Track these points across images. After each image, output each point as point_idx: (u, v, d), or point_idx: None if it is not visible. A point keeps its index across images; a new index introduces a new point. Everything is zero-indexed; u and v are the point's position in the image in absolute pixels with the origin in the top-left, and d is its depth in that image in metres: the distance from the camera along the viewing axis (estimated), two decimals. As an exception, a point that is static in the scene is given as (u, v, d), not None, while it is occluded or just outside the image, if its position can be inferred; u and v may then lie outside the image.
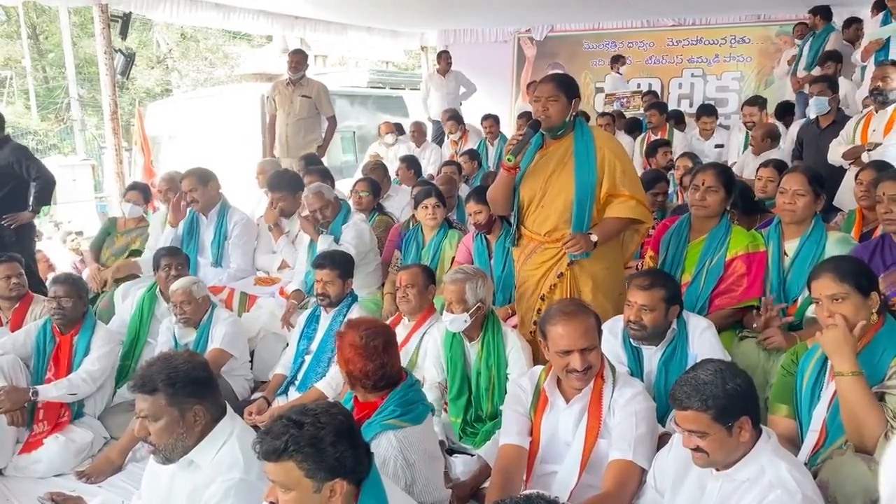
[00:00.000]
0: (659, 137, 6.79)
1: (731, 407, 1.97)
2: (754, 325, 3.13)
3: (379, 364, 2.34)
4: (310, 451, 1.70)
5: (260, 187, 5.76)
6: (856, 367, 2.24)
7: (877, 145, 4.44)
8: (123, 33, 7.76)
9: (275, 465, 1.73)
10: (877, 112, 4.58)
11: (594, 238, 3.20)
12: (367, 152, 8.37)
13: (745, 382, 2.02)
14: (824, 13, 7.36)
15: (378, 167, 6.17)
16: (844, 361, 2.24)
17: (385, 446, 2.21)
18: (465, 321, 3.18)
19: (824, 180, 3.27)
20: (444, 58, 9.35)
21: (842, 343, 2.25)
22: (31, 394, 3.45)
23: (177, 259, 4.13)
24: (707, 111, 7.11)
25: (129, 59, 8.14)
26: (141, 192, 5.24)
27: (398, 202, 5.89)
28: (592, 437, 2.47)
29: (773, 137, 5.75)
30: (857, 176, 3.80)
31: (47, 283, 3.81)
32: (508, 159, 3.25)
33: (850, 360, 2.25)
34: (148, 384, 2.13)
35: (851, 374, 2.24)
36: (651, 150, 6.33)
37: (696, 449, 2.02)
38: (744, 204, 3.96)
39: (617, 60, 9.58)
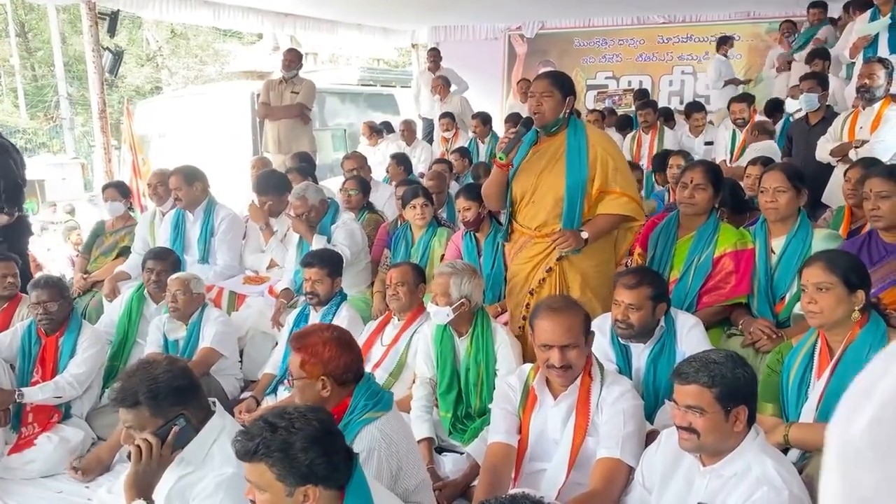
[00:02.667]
0: (653, 137, 6.81)
1: (735, 391, 1.98)
2: (740, 325, 3.15)
3: (357, 354, 2.39)
4: (279, 455, 1.71)
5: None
6: (782, 433, 2.37)
7: (864, 142, 4.47)
8: (112, 31, 7.73)
9: (249, 465, 1.75)
10: (863, 109, 4.60)
11: (585, 235, 3.21)
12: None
13: (751, 373, 2.05)
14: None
15: (356, 155, 6.21)
16: (773, 437, 2.32)
17: (369, 439, 2.22)
18: (448, 315, 3.18)
19: (804, 175, 3.28)
20: (432, 55, 9.34)
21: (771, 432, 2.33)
22: (16, 395, 3.43)
23: (162, 264, 4.07)
24: (696, 108, 7.12)
25: (118, 56, 8.10)
26: (117, 189, 5.20)
27: (380, 197, 5.91)
28: (580, 436, 2.48)
29: (762, 131, 5.81)
30: (845, 173, 3.82)
31: (28, 287, 3.78)
32: (500, 158, 3.28)
33: (777, 435, 2.36)
34: (129, 398, 2.11)
35: (784, 438, 2.36)
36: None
37: (688, 428, 2.01)
38: (733, 202, 3.97)
39: (725, 42, 8.63)
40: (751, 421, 2.04)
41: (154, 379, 2.13)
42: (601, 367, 2.60)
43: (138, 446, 2.07)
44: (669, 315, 2.91)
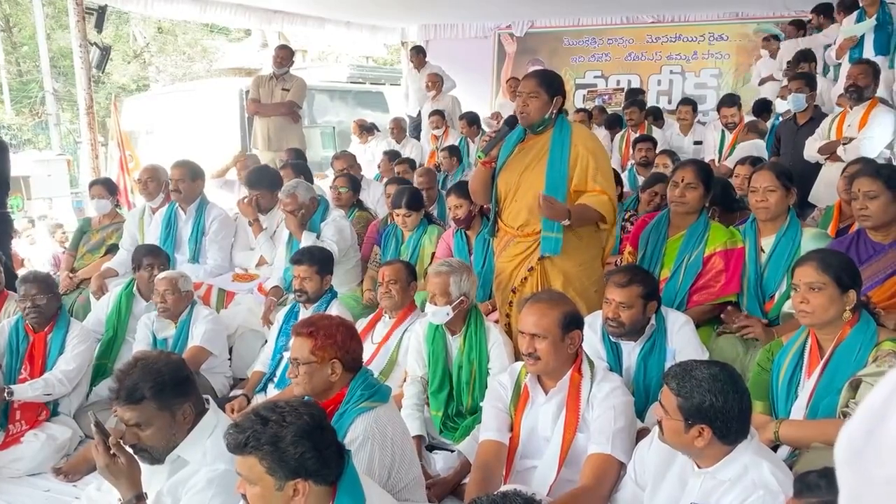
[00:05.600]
0: (640, 134, 6.84)
1: (697, 410, 1.96)
2: (732, 322, 3.16)
3: (360, 344, 2.46)
4: (269, 448, 1.71)
5: (241, 181, 5.73)
6: (772, 429, 2.39)
7: (852, 139, 4.51)
8: (99, 26, 7.65)
9: (240, 458, 1.76)
10: (851, 109, 4.65)
11: (567, 222, 3.14)
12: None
13: (726, 402, 1.94)
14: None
15: (345, 155, 6.18)
16: (764, 434, 2.34)
17: (364, 428, 2.24)
18: (448, 314, 3.17)
19: (792, 174, 3.30)
20: (416, 52, 9.34)
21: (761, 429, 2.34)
22: (5, 393, 3.39)
23: (159, 259, 4.06)
24: (685, 102, 7.15)
25: (105, 52, 8.03)
26: (104, 186, 5.14)
27: (372, 195, 5.89)
28: (571, 432, 2.48)
29: (752, 129, 5.87)
30: (843, 171, 3.84)
31: (16, 283, 3.74)
32: (479, 156, 3.34)
33: (767, 431, 2.37)
34: (134, 393, 2.10)
35: (775, 435, 2.38)
36: (633, 143, 6.39)
37: (658, 421, 2.08)
38: (724, 201, 3.98)
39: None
40: (726, 437, 1.98)
41: (157, 372, 2.12)
42: (591, 364, 2.60)
43: (118, 445, 2.08)
44: (660, 313, 2.93)
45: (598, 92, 10.15)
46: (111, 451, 2.08)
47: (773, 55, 8.07)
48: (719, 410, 1.95)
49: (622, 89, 9.93)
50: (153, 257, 4.06)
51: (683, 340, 2.87)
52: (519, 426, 2.58)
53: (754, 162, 4.52)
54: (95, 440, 2.10)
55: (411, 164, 6.71)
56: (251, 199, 4.71)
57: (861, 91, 4.55)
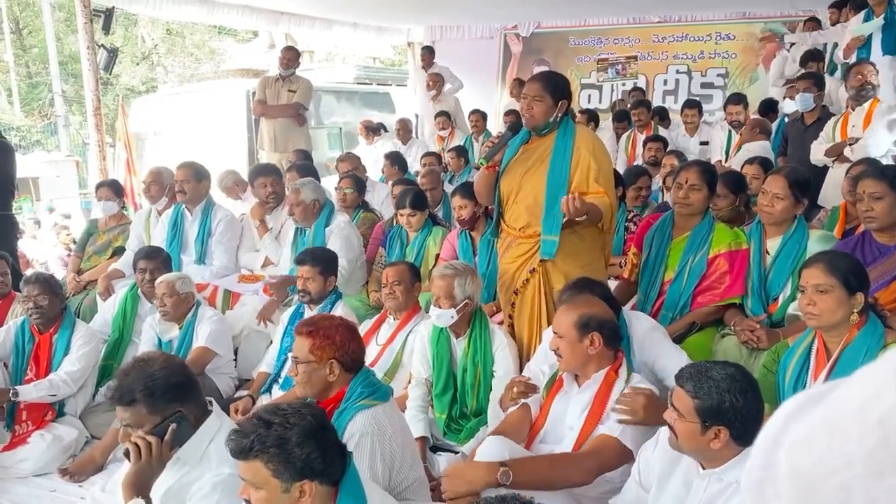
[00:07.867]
0: (647, 134, 6.83)
1: (717, 412, 1.93)
2: (732, 325, 3.14)
3: (362, 344, 2.47)
4: (275, 451, 1.71)
5: (228, 196, 5.77)
6: None
7: (857, 139, 4.49)
8: (106, 28, 7.70)
9: (244, 463, 1.75)
10: (854, 110, 4.63)
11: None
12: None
13: (746, 402, 1.92)
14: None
15: (350, 157, 6.20)
16: None
17: (362, 424, 2.24)
18: (452, 317, 3.17)
19: (808, 185, 3.26)
20: (425, 53, 9.35)
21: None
22: (10, 394, 3.41)
23: (154, 262, 4.05)
24: (690, 105, 7.13)
25: (113, 54, 8.08)
26: (110, 188, 5.16)
27: (377, 196, 5.90)
28: (592, 424, 2.45)
29: (762, 129, 5.84)
30: (847, 171, 3.82)
31: (20, 284, 3.77)
32: (481, 162, 3.32)
33: None
34: (126, 395, 2.09)
35: None
36: (643, 143, 6.38)
37: (671, 426, 2.04)
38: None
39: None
40: (741, 439, 1.96)
41: (150, 376, 2.11)
42: (630, 369, 2.56)
43: (136, 445, 2.06)
44: (622, 319, 2.84)
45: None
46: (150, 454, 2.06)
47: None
48: (739, 411, 1.92)
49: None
50: (148, 261, 4.06)
51: (654, 346, 2.81)
52: (547, 410, 2.58)
53: (763, 162, 4.50)
54: (139, 442, 2.06)
55: (459, 151, 6.84)
56: (268, 189, 4.73)
57: (865, 90, 4.53)
